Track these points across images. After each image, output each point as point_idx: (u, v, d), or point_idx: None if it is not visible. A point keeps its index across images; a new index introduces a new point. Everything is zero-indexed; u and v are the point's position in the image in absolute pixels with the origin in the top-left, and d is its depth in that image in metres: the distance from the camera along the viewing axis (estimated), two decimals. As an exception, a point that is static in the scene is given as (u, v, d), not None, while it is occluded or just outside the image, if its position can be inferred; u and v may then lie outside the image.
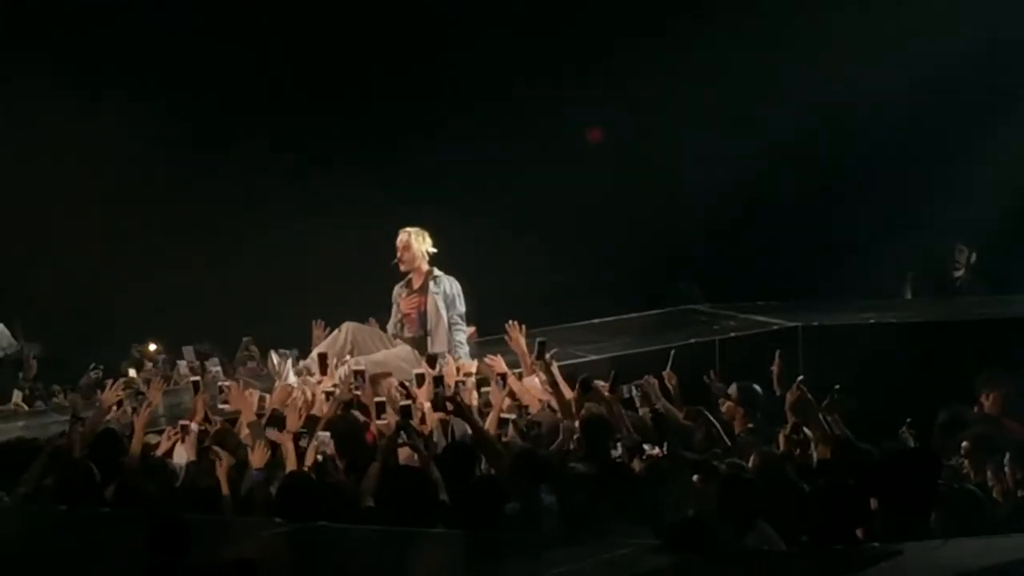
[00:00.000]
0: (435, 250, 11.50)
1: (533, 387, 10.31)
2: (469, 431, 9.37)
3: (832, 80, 16.42)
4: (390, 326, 11.67)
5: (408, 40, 17.45)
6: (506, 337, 10.79)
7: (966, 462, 8.76)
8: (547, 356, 10.29)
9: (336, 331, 11.47)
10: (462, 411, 9.43)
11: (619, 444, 8.88)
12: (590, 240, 16.94)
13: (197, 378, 10.76)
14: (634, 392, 9.81)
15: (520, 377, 10.45)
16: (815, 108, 16.24)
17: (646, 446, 8.76)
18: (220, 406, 9.95)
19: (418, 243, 11.39)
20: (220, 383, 10.62)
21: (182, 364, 12.02)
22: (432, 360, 10.50)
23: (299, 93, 17.68)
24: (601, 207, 16.87)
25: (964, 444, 8.87)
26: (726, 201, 16.47)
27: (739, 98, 16.72)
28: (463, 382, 10.21)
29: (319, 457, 9.00)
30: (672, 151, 16.60)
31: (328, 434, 9.38)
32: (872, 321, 13.30)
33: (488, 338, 12.06)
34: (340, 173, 16.82)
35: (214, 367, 11.98)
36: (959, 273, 15.03)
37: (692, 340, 12.35)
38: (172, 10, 17.05)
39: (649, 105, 16.71)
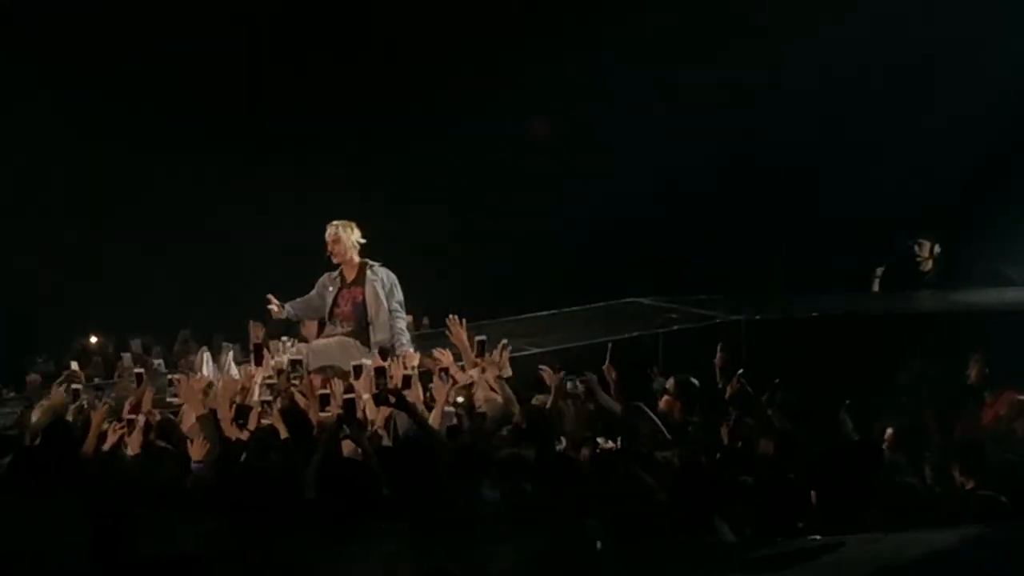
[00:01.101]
0: (364, 241, 11.46)
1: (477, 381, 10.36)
2: (411, 424, 9.33)
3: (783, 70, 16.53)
4: (293, 308, 11.53)
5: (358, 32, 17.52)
6: (446, 331, 10.75)
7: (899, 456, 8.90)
8: (498, 355, 10.22)
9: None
10: (405, 405, 9.41)
11: (563, 437, 8.98)
12: (530, 232, 16.90)
13: (141, 370, 10.69)
14: (577, 386, 9.87)
15: (463, 370, 10.40)
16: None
17: (599, 439, 8.86)
18: (169, 399, 9.93)
19: (347, 235, 11.38)
20: (169, 376, 10.61)
21: (126, 356, 12.20)
22: (384, 352, 10.50)
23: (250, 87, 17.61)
24: (542, 198, 16.86)
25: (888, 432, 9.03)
26: (669, 194, 16.49)
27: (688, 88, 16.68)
28: (410, 375, 10.22)
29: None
30: (615, 141, 16.73)
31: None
32: (815, 314, 13.43)
33: (429, 331, 12.16)
34: (282, 164, 16.79)
35: (156, 360, 12.11)
36: (926, 268, 15.18)
37: (635, 333, 12.42)
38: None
39: (595, 95, 16.87)
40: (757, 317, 12.92)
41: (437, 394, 9.88)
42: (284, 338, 11.26)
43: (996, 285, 15.12)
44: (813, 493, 7.67)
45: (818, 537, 7.19)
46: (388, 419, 9.62)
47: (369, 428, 9.34)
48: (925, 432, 9.19)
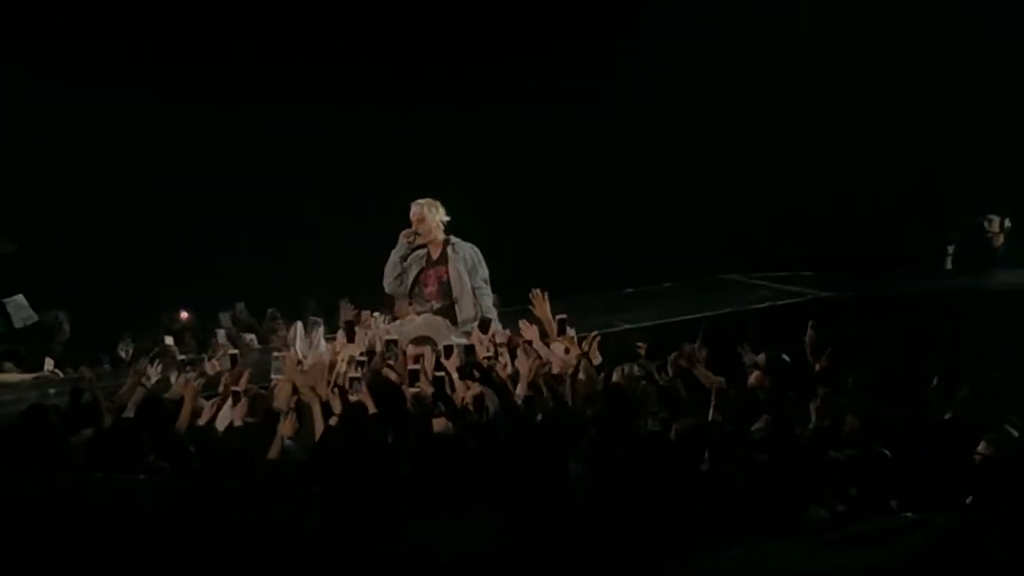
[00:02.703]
0: (448, 218, 11.57)
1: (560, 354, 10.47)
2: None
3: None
4: (390, 286, 11.69)
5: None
6: (530, 306, 10.86)
7: None
8: (588, 344, 10.28)
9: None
10: (490, 380, 9.52)
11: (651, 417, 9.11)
12: (619, 208, 17.02)
13: (236, 351, 10.91)
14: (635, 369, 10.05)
15: (548, 345, 10.54)
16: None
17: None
18: (273, 376, 10.04)
19: (431, 214, 11.52)
20: (275, 353, 10.71)
21: (220, 332, 12.42)
22: (484, 325, 10.62)
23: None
24: (629, 175, 16.98)
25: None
26: (755, 172, 16.65)
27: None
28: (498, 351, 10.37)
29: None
30: (702, 119, 16.75)
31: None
32: (907, 292, 13.45)
33: (511, 308, 12.19)
34: (357, 144, 16.90)
35: (248, 335, 12.36)
36: (998, 243, 15.20)
37: (727, 310, 12.50)
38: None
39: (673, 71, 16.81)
40: (848, 295, 12.91)
41: (520, 367, 9.90)
42: (376, 313, 11.39)
43: None
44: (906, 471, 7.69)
45: (910, 515, 7.12)
46: (478, 396, 9.65)
47: (459, 404, 9.37)
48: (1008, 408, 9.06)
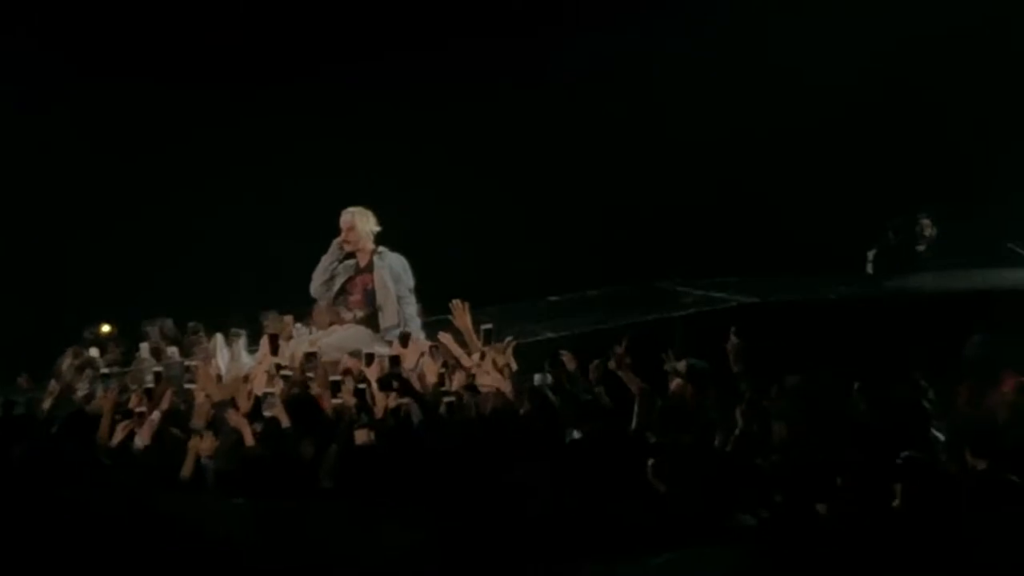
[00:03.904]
0: (379, 228, 11.58)
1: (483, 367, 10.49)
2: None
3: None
4: (317, 290, 11.61)
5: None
6: (451, 317, 10.87)
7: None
8: (504, 348, 10.31)
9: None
10: (410, 390, 9.45)
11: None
12: (546, 216, 16.86)
13: (160, 369, 10.81)
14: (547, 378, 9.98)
15: (469, 354, 10.58)
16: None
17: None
18: (187, 386, 10.05)
19: (362, 223, 11.51)
20: (185, 363, 10.77)
21: (144, 347, 12.19)
22: (404, 338, 10.62)
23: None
24: (556, 183, 16.84)
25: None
26: (681, 178, 16.50)
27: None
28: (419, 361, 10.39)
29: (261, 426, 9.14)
30: (628, 126, 16.74)
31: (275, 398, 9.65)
32: (832, 297, 13.53)
33: (435, 318, 12.07)
34: (289, 154, 16.67)
35: (171, 347, 12.21)
36: (921, 247, 15.30)
37: (652, 317, 12.47)
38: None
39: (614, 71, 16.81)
40: (772, 301, 12.96)
41: (428, 370, 9.98)
42: (298, 324, 11.40)
43: (1002, 265, 14.96)
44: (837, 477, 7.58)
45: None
46: (400, 406, 9.50)
47: (378, 414, 9.31)
48: (935, 414, 9.02)
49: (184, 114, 17.00)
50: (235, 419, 9.36)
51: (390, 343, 11.02)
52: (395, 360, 10.15)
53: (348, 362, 10.62)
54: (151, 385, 10.19)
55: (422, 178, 16.49)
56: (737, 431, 8.56)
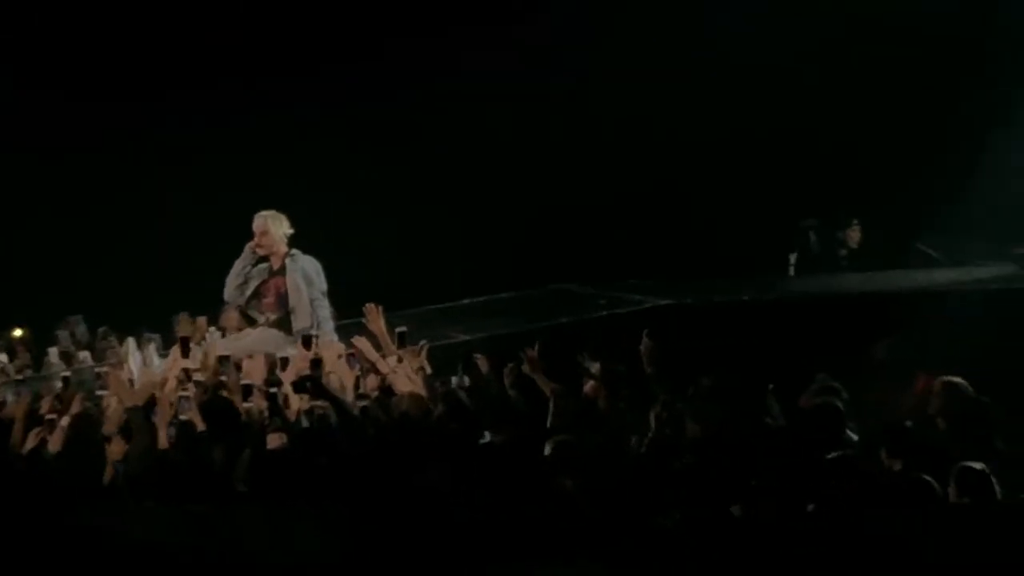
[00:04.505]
0: (292, 231, 11.61)
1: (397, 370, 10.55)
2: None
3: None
4: (231, 294, 11.65)
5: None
6: (364, 320, 10.92)
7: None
8: (418, 352, 10.36)
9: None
10: (323, 392, 9.48)
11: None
12: (458, 220, 16.86)
13: (67, 373, 10.82)
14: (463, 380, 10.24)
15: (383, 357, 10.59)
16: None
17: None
18: (98, 392, 10.06)
19: (276, 226, 11.56)
20: (96, 369, 10.78)
21: (52, 352, 12.34)
22: (307, 341, 10.66)
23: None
24: (467, 187, 16.85)
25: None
26: (595, 181, 16.60)
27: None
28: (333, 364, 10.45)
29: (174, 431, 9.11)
30: (540, 128, 16.69)
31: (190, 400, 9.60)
32: (745, 299, 13.58)
33: (350, 321, 12.14)
34: (205, 158, 16.61)
35: (83, 352, 12.30)
36: (843, 252, 15.52)
37: (565, 320, 12.54)
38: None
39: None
40: (687, 302, 13.01)
41: (344, 377, 10.04)
42: (211, 328, 11.43)
43: (919, 266, 15.09)
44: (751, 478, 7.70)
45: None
46: (313, 408, 9.55)
47: (292, 416, 9.33)
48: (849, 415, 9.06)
49: (101, 122, 16.72)
50: (156, 421, 9.24)
51: (306, 342, 11.05)
52: (315, 363, 10.05)
53: (258, 366, 10.56)
54: (60, 390, 10.16)
55: (332, 182, 16.35)
56: (651, 433, 8.49)
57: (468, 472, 8.16)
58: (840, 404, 8.75)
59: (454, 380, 10.51)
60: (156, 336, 11.84)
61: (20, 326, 14.45)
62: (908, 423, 8.76)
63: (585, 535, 7.16)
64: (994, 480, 7.44)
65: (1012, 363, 11.14)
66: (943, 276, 14.79)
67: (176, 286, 14.43)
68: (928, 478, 7.29)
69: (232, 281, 11.61)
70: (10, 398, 10.47)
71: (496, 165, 17.12)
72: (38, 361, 13.26)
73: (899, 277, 14.71)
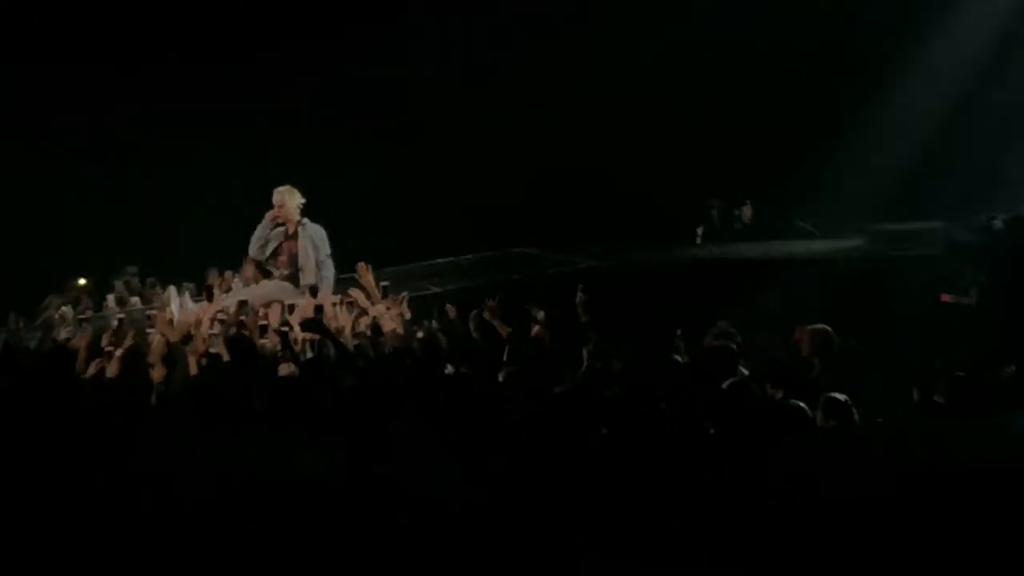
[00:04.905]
0: (304, 202, 11.58)
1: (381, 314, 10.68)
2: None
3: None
4: (254, 252, 11.62)
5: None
6: (356, 275, 10.92)
7: None
8: (400, 302, 10.40)
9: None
10: (325, 331, 9.51)
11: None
12: (429, 189, 16.70)
13: (122, 315, 10.83)
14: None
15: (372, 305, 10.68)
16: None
17: None
18: (146, 330, 10.04)
19: (291, 199, 11.53)
20: (145, 311, 10.75)
21: (111, 297, 12.28)
22: (313, 291, 10.69)
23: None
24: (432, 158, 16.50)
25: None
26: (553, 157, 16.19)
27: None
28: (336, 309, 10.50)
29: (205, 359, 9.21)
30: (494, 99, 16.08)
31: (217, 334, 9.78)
32: (662, 261, 13.72)
33: (346, 276, 12.19)
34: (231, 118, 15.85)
35: (134, 297, 12.29)
36: (738, 226, 15.53)
37: (516, 276, 12.59)
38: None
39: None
40: (611, 264, 13.05)
41: (342, 321, 10.04)
42: (236, 279, 11.50)
43: (798, 238, 15.16)
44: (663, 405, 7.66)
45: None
46: (315, 342, 9.68)
47: (299, 350, 9.35)
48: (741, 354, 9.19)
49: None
50: (190, 353, 9.25)
51: (310, 291, 11.00)
52: (318, 308, 10.08)
53: (272, 310, 10.73)
54: (116, 328, 10.14)
55: (319, 162, 15.60)
56: (584, 367, 8.56)
57: (435, 398, 8.14)
58: (734, 346, 8.78)
59: (423, 327, 10.43)
60: (191, 285, 11.76)
61: (84, 276, 14.30)
62: (787, 361, 8.89)
63: (528, 450, 7.09)
64: (853, 408, 7.46)
65: (865, 312, 11.24)
66: (816, 246, 14.70)
67: (208, 246, 14.14)
68: (802, 405, 7.34)
69: (255, 242, 11.55)
70: (76, 333, 10.39)
71: (467, 147, 16.47)
72: (99, 306, 13.18)
73: (781, 246, 14.65)
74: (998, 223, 13.02)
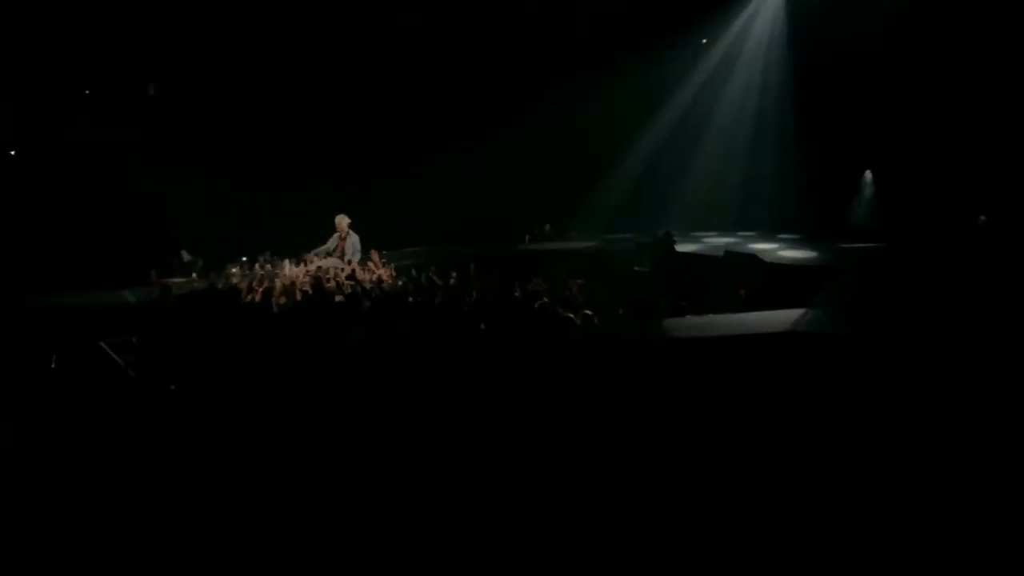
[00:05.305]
0: (350, 220, 12.32)
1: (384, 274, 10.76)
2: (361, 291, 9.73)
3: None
4: (325, 250, 12.05)
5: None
6: (370, 257, 11.69)
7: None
8: (390, 267, 10.95)
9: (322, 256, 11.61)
10: (357, 281, 10.43)
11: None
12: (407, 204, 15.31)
13: (262, 273, 11.72)
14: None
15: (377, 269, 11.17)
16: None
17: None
18: (275, 279, 10.73)
19: (343, 221, 12.43)
20: (274, 270, 11.29)
21: (256, 267, 12.56)
22: (351, 264, 11.25)
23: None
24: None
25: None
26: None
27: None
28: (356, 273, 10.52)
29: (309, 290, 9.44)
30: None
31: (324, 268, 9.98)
32: (511, 251, 14.03)
33: (364, 256, 12.01)
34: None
35: (267, 266, 12.62)
36: (546, 233, 16.23)
37: (446, 258, 12.91)
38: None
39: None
40: (486, 252, 13.60)
41: (364, 276, 10.81)
42: (315, 258, 12.12)
43: (571, 240, 15.49)
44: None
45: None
46: (352, 287, 10.09)
47: (345, 289, 9.90)
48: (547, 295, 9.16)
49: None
50: (294, 290, 9.75)
51: (349, 263, 11.75)
52: (353, 272, 11.07)
53: (333, 271, 11.16)
54: (260, 278, 10.80)
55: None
56: (473, 298, 9.37)
57: (407, 311, 8.85)
58: (540, 290, 9.65)
59: (404, 280, 10.76)
60: (294, 259, 12.45)
61: (243, 256, 13.59)
62: (567, 296, 9.58)
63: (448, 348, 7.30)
64: (595, 318, 8.11)
65: (599, 274, 12.09)
66: (578, 245, 15.14)
67: (302, 242, 13.02)
68: (571, 315, 8.39)
69: (328, 245, 12.17)
70: (240, 281, 10.76)
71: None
72: (251, 269, 12.20)
73: (563, 245, 15.28)
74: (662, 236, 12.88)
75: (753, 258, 11.77)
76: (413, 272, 11.30)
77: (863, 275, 10.12)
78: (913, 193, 13.00)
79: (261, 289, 10.12)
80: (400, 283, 10.66)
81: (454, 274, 10.60)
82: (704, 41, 15.55)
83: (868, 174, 14.16)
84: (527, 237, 15.55)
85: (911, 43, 12.93)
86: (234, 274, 11.81)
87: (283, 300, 9.76)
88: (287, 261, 11.98)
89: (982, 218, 12.15)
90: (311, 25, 14.15)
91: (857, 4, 13.64)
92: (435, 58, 14.99)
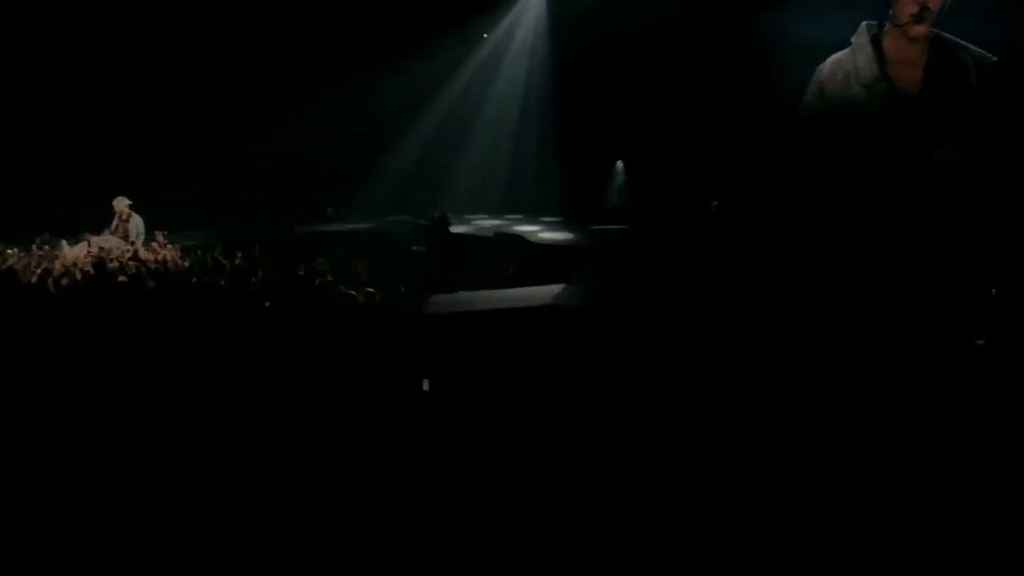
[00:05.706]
0: (130, 202, 12.22)
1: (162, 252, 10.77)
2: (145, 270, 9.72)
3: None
4: (111, 232, 11.88)
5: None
6: (154, 242, 11.71)
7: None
8: (175, 247, 10.85)
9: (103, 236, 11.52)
10: (141, 261, 10.70)
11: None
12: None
13: (41, 253, 11.67)
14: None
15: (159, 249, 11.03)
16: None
17: None
18: (54, 260, 10.58)
19: (121, 203, 12.50)
20: (53, 252, 11.07)
21: (34, 248, 12.21)
22: (135, 244, 11.34)
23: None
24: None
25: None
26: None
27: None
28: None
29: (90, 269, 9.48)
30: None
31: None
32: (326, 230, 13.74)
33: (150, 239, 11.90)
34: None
35: (45, 247, 12.28)
36: (330, 217, 15.76)
37: (264, 238, 12.56)
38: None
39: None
40: (278, 235, 13.58)
41: (148, 256, 11.02)
42: (98, 237, 12.01)
43: (349, 223, 15.41)
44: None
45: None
46: (136, 266, 10.13)
47: (130, 270, 9.84)
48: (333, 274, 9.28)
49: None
50: (75, 271, 9.81)
51: (132, 244, 11.82)
52: (136, 252, 11.20)
53: (117, 252, 11.12)
54: (39, 259, 10.77)
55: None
56: (259, 277, 9.62)
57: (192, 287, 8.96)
58: (325, 268, 9.90)
59: (189, 260, 10.68)
60: (75, 239, 12.16)
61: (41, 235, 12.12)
62: (349, 275, 9.85)
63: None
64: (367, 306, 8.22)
65: (379, 253, 12.22)
66: (359, 226, 15.23)
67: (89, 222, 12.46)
68: (352, 292, 8.94)
69: (112, 225, 11.81)
70: (16, 262, 10.69)
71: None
72: (28, 250, 11.97)
73: (344, 227, 15.38)
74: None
75: (520, 239, 12.53)
76: (199, 253, 11.21)
77: (611, 255, 11.05)
78: (658, 181, 14.03)
79: (39, 270, 10.05)
80: (186, 264, 10.70)
81: (240, 254, 10.72)
82: (485, 36, 15.89)
83: (620, 164, 14.92)
84: (311, 219, 15.54)
85: (661, 46, 14.01)
86: (11, 255, 11.45)
87: (64, 281, 9.69)
88: (64, 242, 11.72)
89: (714, 204, 12.98)
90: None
91: (615, 7, 14.25)
92: (217, 46, 14.66)
